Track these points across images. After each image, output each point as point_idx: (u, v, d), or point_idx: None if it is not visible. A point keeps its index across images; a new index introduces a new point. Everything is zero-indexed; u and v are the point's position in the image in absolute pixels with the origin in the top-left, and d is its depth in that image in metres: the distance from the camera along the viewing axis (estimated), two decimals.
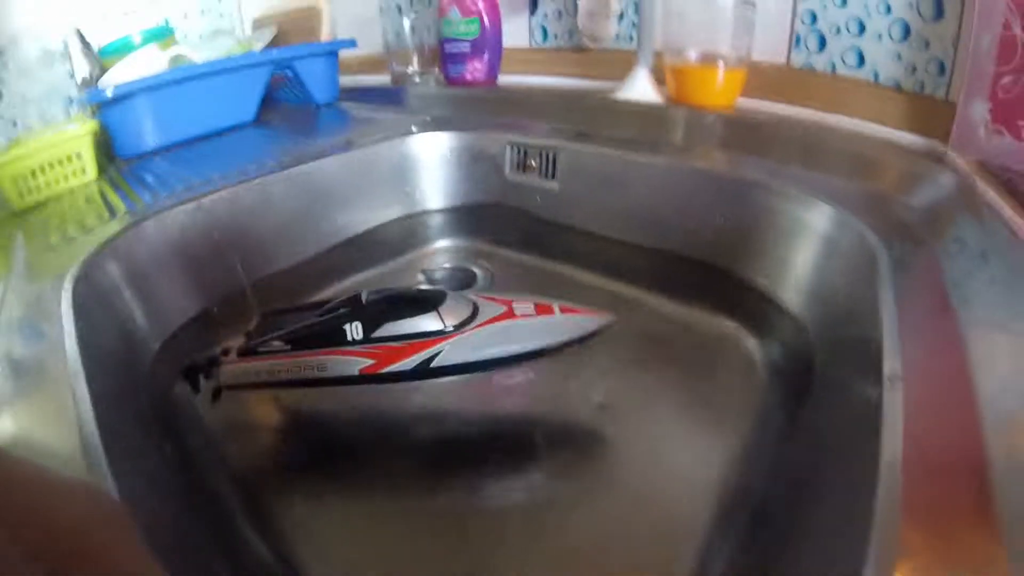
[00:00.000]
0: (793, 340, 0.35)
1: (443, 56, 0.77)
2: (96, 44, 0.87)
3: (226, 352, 0.31)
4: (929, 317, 0.24)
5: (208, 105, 0.66)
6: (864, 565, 0.14)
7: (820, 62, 0.54)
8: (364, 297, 0.31)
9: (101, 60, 0.83)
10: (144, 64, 0.69)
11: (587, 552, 0.26)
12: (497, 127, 0.56)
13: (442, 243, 0.57)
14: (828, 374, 0.30)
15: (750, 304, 0.39)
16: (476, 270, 0.52)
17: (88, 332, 0.27)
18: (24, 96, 0.82)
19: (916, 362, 0.20)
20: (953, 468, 0.16)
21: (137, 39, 0.90)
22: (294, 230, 0.47)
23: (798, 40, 0.55)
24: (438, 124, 0.59)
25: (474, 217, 0.57)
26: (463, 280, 0.51)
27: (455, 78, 0.77)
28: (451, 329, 0.30)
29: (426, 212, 0.57)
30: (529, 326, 0.31)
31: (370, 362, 0.30)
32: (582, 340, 0.32)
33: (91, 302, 0.31)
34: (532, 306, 0.32)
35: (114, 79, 0.67)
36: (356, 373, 0.30)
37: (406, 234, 0.56)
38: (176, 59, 0.76)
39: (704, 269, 0.42)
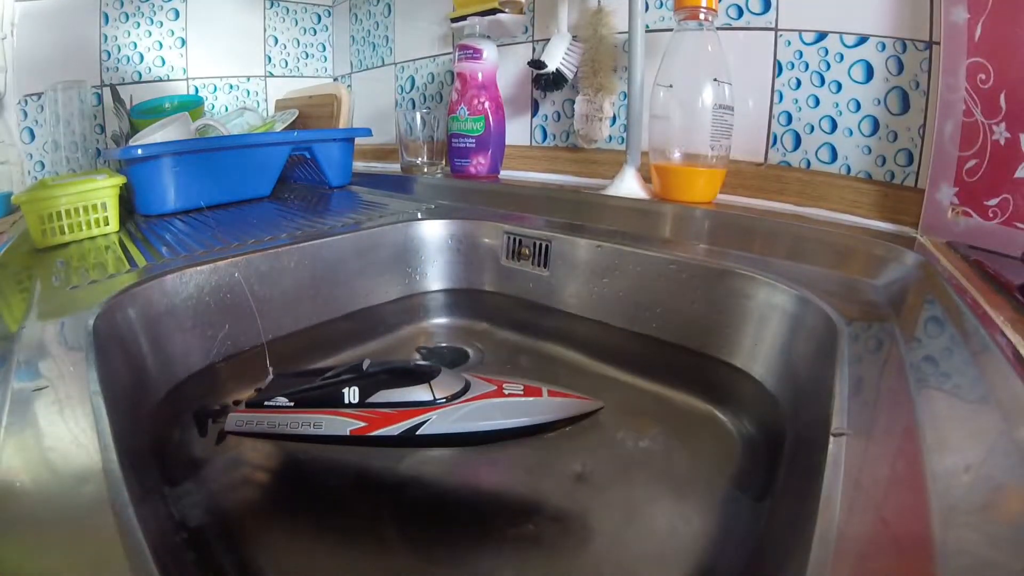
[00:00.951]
0: (765, 414, 0.38)
1: (450, 150, 0.83)
2: (128, 102, 0.93)
3: (237, 403, 0.33)
4: (881, 384, 0.26)
5: (229, 176, 0.70)
6: None
7: (795, 159, 0.60)
8: (365, 366, 0.34)
9: (132, 119, 0.88)
10: (174, 129, 0.74)
11: None
12: (496, 217, 0.60)
13: (438, 321, 0.59)
14: (797, 445, 0.32)
15: (726, 382, 0.42)
16: (468, 349, 0.54)
17: (104, 368, 0.29)
18: (56, 142, 0.86)
19: (862, 422, 0.23)
20: (896, 546, 0.17)
21: (168, 104, 0.97)
22: (301, 300, 0.50)
23: (775, 139, 0.62)
24: (441, 212, 0.63)
25: (470, 299, 0.60)
26: (456, 358, 0.53)
27: (460, 171, 0.83)
28: (440, 401, 0.32)
29: (425, 292, 0.60)
30: (516, 404, 0.33)
31: (361, 424, 0.32)
32: (568, 422, 0.34)
33: (109, 342, 0.33)
34: (522, 387, 0.34)
35: (145, 140, 0.72)
36: (347, 433, 0.32)
37: (405, 311, 0.58)
38: (204, 129, 0.81)
39: (683, 350, 0.45)
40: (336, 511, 0.33)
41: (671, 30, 0.58)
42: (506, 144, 0.84)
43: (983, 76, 0.42)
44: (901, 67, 0.53)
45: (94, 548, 0.17)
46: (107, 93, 0.93)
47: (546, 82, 0.75)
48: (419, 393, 0.32)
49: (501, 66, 0.82)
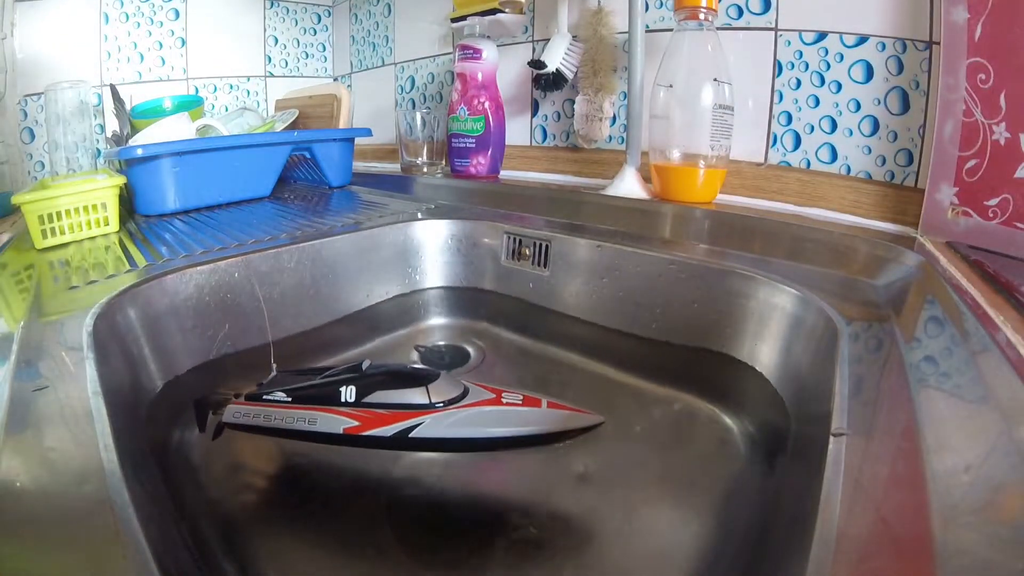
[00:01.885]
0: (766, 414, 0.38)
1: (450, 150, 0.84)
2: (128, 102, 0.93)
3: (237, 395, 0.33)
4: (881, 384, 0.26)
5: (229, 176, 0.70)
6: None
7: (795, 159, 0.60)
8: (364, 366, 0.33)
9: (131, 119, 0.88)
10: (174, 130, 0.74)
11: None
12: (496, 217, 0.61)
13: (438, 321, 0.59)
14: (797, 445, 0.32)
15: (726, 382, 0.42)
16: (469, 348, 0.54)
17: (104, 368, 0.29)
18: (56, 142, 0.86)
19: (862, 422, 0.23)
20: (895, 546, 0.17)
21: (168, 104, 0.97)
22: (301, 300, 0.50)
23: (775, 139, 0.62)
24: (441, 212, 0.63)
25: (470, 299, 0.60)
26: (457, 357, 0.53)
27: (460, 171, 0.83)
28: (434, 405, 0.32)
29: (425, 292, 0.60)
30: (513, 414, 0.32)
31: (355, 423, 0.32)
32: (566, 436, 0.33)
33: (109, 342, 0.33)
34: (521, 397, 0.33)
35: (145, 139, 0.72)
36: (341, 432, 0.32)
37: (405, 311, 0.58)
38: (204, 129, 0.81)
39: (683, 350, 0.45)
40: (335, 512, 0.33)
41: (671, 30, 0.58)
42: (506, 144, 0.84)
43: (983, 76, 0.42)
44: (901, 67, 0.53)
45: (94, 548, 0.17)
46: (107, 93, 0.93)
47: (546, 82, 0.75)
48: (415, 396, 0.32)
49: (501, 66, 0.82)
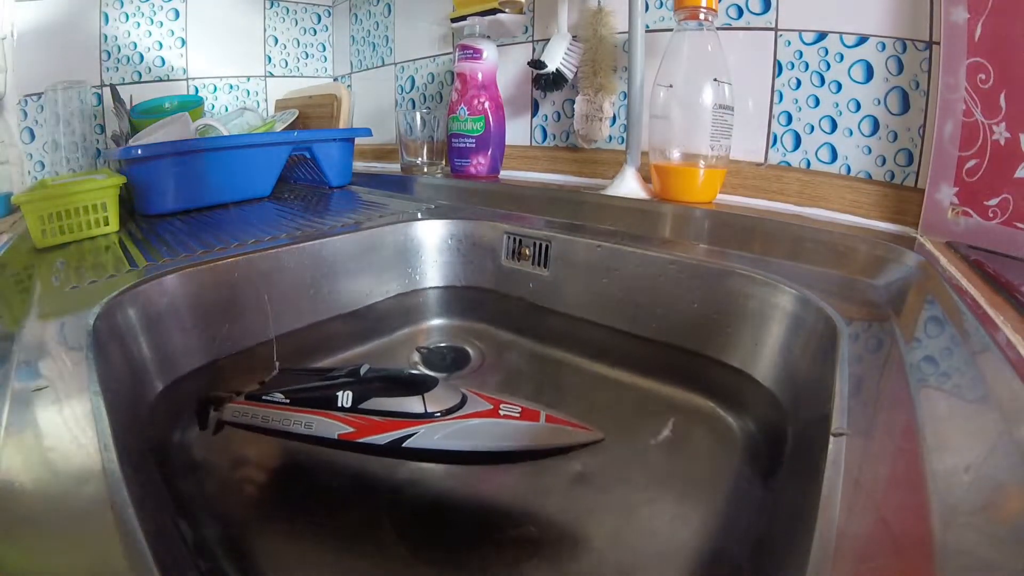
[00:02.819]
0: (766, 414, 0.38)
1: (450, 150, 0.84)
2: (128, 102, 0.93)
3: (238, 393, 0.33)
4: (881, 384, 0.26)
5: (229, 176, 0.70)
6: None
7: (795, 159, 0.60)
8: (362, 371, 0.33)
9: (131, 119, 0.88)
10: (174, 129, 0.74)
11: None
12: (496, 217, 0.61)
13: (438, 322, 0.59)
14: (797, 445, 0.32)
15: (726, 382, 0.42)
16: (469, 349, 0.54)
17: (104, 368, 0.29)
18: (56, 142, 0.86)
19: (862, 422, 0.23)
20: (895, 546, 0.17)
21: (168, 104, 0.97)
22: (301, 299, 0.50)
23: (775, 139, 0.62)
24: (441, 212, 0.63)
25: (470, 300, 0.60)
26: (456, 357, 0.53)
27: (460, 171, 0.83)
28: (430, 414, 0.31)
29: (425, 293, 0.60)
30: (509, 427, 0.31)
31: (350, 429, 0.32)
32: (563, 451, 0.32)
33: (109, 342, 0.33)
34: (519, 409, 0.32)
35: (145, 139, 0.72)
36: (335, 437, 0.32)
37: (405, 311, 0.58)
38: (205, 129, 0.81)
39: (683, 350, 0.45)
40: (336, 512, 0.33)
41: (671, 30, 0.58)
42: (506, 144, 0.84)
43: (983, 76, 0.42)
44: (901, 67, 0.53)
45: (94, 548, 0.17)
46: (107, 93, 0.93)
47: (546, 82, 0.75)
48: (411, 404, 0.31)
49: (501, 66, 0.82)
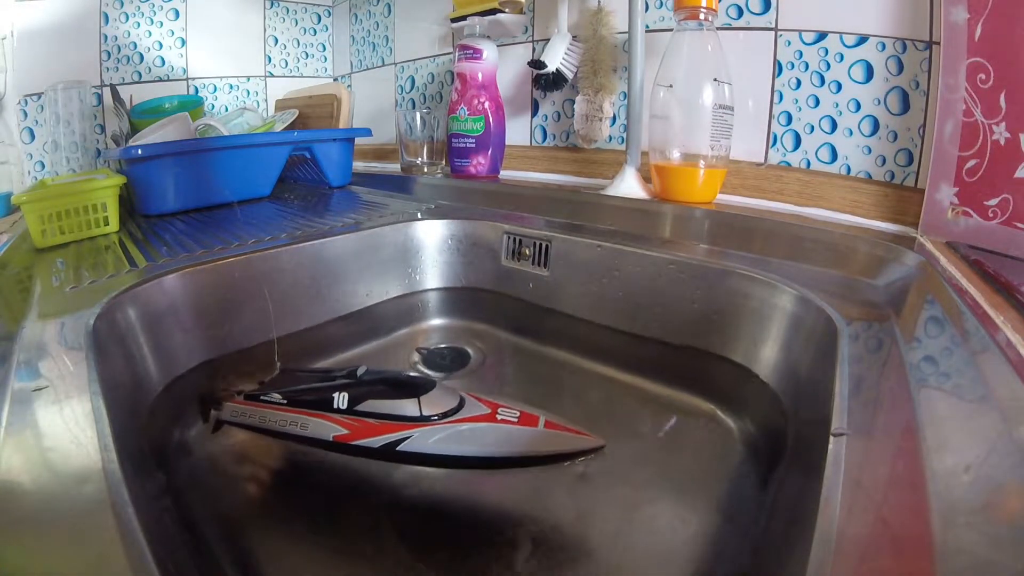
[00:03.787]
0: (766, 414, 0.38)
1: (450, 150, 0.84)
2: (128, 102, 0.93)
3: (239, 392, 0.33)
4: (881, 384, 0.26)
5: (229, 176, 0.70)
6: None
7: (795, 159, 0.60)
8: (360, 372, 0.33)
9: (131, 119, 0.88)
10: (174, 129, 0.74)
11: None
12: (496, 217, 0.61)
13: (438, 322, 0.60)
14: (798, 445, 0.32)
15: (726, 382, 0.42)
16: (469, 350, 0.54)
17: (104, 369, 0.29)
18: (56, 142, 0.86)
19: (862, 422, 0.23)
20: (895, 546, 0.17)
21: (168, 104, 0.97)
22: (301, 299, 0.50)
23: (775, 139, 0.62)
24: (441, 212, 0.63)
25: (470, 300, 0.60)
26: (456, 358, 0.53)
27: (460, 171, 0.83)
28: (426, 418, 0.31)
29: (425, 292, 0.60)
30: (506, 432, 0.31)
31: (345, 431, 0.32)
32: (562, 458, 0.32)
33: (109, 342, 0.33)
34: (517, 414, 0.32)
35: (145, 139, 0.72)
36: (330, 439, 0.32)
37: (405, 311, 0.58)
38: (205, 129, 0.81)
39: (683, 350, 0.45)
40: (336, 511, 0.33)
41: (671, 30, 0.58)
42: (506, 144, 0.84)
43: (983, 76, 0.42)
44: (901, 67, 0.53)
45: (94, 548, 0.17)
46: (107, 93, 0.93)
47: (546, 82, 0.75)
48: (407, 407, 0.31)
49: (501, 66, 0.82)
